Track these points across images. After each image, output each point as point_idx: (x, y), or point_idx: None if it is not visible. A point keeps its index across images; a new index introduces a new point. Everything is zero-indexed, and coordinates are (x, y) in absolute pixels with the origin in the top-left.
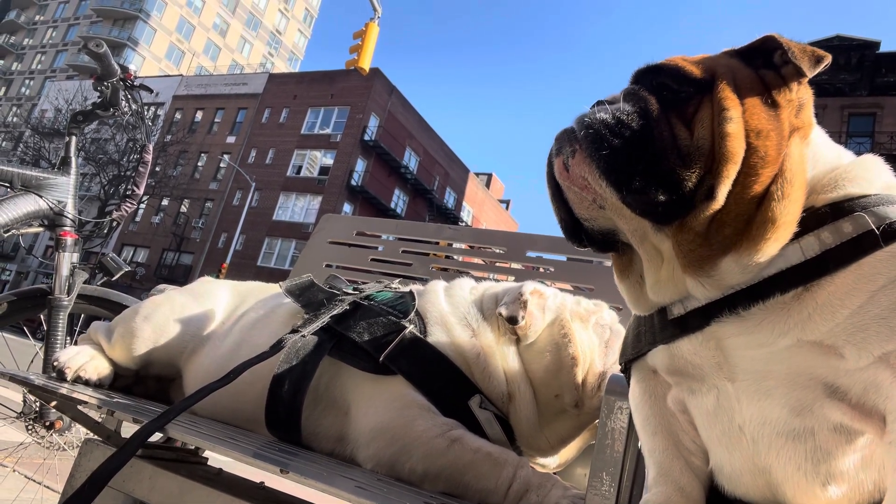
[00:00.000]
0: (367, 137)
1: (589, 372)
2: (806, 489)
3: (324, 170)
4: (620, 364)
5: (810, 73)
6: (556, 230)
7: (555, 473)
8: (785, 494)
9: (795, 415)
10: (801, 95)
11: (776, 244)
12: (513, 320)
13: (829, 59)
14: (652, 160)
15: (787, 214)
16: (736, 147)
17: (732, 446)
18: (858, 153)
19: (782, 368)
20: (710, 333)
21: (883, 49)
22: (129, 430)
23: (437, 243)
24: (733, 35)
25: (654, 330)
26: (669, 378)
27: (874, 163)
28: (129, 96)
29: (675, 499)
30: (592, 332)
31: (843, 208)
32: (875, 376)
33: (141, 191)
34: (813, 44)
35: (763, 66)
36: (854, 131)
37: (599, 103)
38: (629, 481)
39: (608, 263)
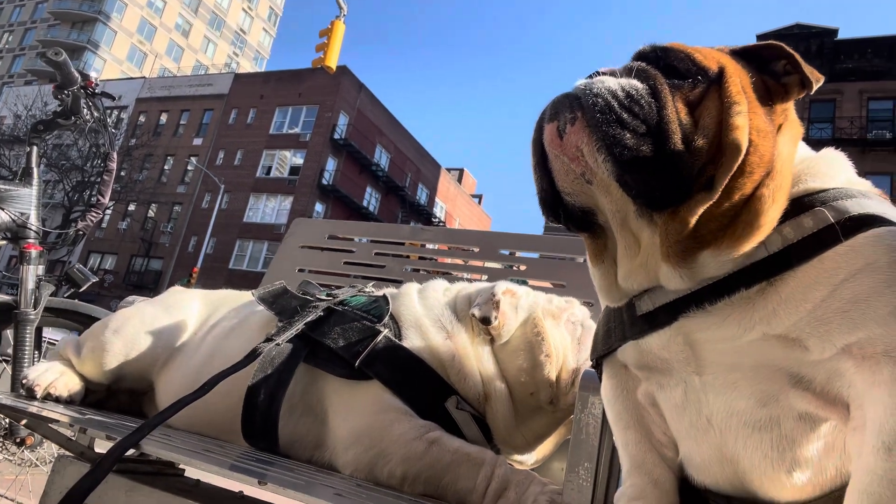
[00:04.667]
0: (336, 136)
1: (562, 369)
2: (772, 477)
3: (294, 170)
4: (591, 360)
5: (814, 89)
6: (529, 226)
7: (532, 469)
8: (752, 483)
9: (761, 405)
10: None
11: (754, 243)
12: (486, 321)
13: (823, 79)
14: (659, 141)
15: (770, 217)
16: (742, 141)
17: (701, 438)
18: (820, 139)
19: (748, 361)
20: (678, 328)
21: (841, 36)
22: (102, 445)
23: (404, 244)
24: (692, 28)
25: (624, 326)
26: (639, 373)
27: (835, 158)
28: (91, 104)
29: (648, 490)
30: (564, 329)
31: (803, 203)
32: (838, 365)
33: (106, 200)
34: (774, 32)
35: (760, 71)
36: (815, 117)
37: (598, 74)
38: (605, 474)
39: (580, 260)
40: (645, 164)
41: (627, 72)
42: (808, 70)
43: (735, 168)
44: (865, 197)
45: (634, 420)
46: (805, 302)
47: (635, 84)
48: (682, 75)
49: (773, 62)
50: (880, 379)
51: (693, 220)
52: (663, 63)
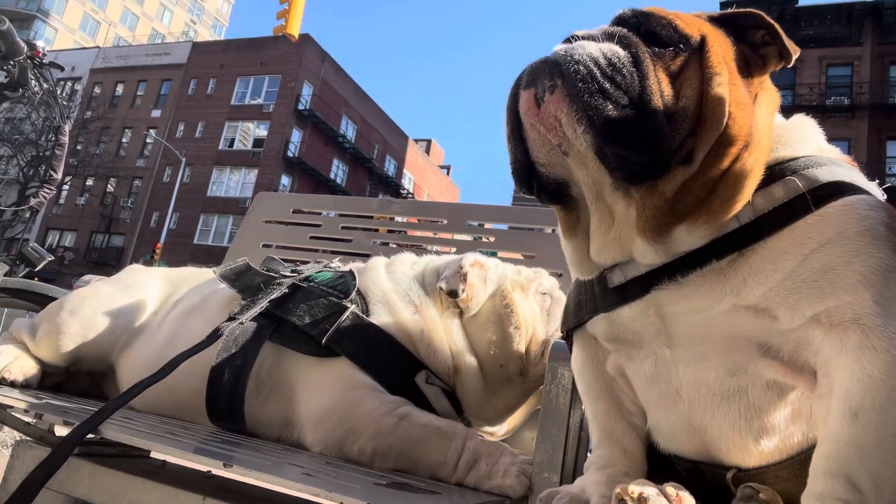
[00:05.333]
0: (301, 107)
1: (532, 340)
2: (739, 444)
3: (258, 142)
4: (562, 332)
5: (792, 62)
6: (497, 197)
7: (503, 440)
8: (720, 450)
9: (730, 375)
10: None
11: (729, 217)
12: (453, 294)
13: (799, 51)
14: (641, 113)
15: (747, 192)
16: (723, 113)
17: (669, 408)
18: (781, 105)
19: (718, 333)
20: (650, 301)
21: (801, 3)
22: (64, 427)
23: (372, 217)
24: None
25: (595, 298)
26: (608, 345)
27: (805, 124)
28: (39, 75)
29: (618, 458)
30: (533, 300)
31: (774, 172)
32: (806, 334)
33: (59, 175)
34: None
35: (737, 39)
36: (776, 84)
37: (577, 38)
38: (574, 443)
39: (549, 231)
40: (626, 137)
41: (608, 37)
42: (788, 42)
43: (714, 141)
44: (835, 164)
45: (604, 391)
46: (775, 272)
47: (617, 51)
48: (663, 43)
49: (751, 31)
50: (848, 346)
51: (669, 195)
52: (644, 29)
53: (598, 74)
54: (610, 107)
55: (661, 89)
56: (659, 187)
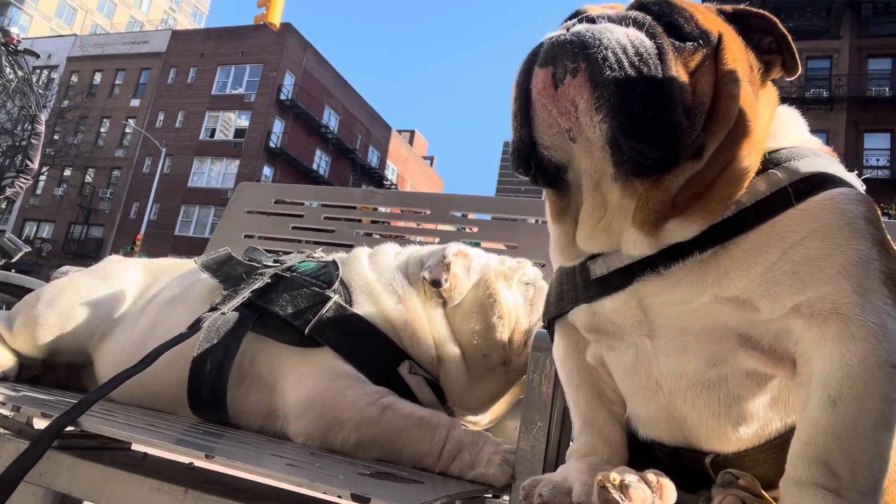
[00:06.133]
0: (283, 97)
1: (515, 330)
2: (719, 432)
3: (239, 132)
4: (544, 322)
5: (793, 77)
6: (481, 187)
7: (487, 430)
8: (699, 438)
9: (710, 366)
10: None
11: (721, 213)
12: (436, 283)
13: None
14: (662, 109)
15: (743, 188)
16: (735, 111)
17: (650, 398)
18: None
19: (699, 324)
20: (632, 292)
21: None
22: (42, 420)
23: (355, 208)
24: None
25: (577, 289)
26: (589, 335)
27: (788, 115)
28: (14, 62)
29: (599, 447)
30: (517, 290)
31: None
32: (787, 324)
33: (35, 164)
34: None
35: (743, 37)
36: None
37: (590, 17)
38: (557, 432)
39: (532, 221)
40: (645, 131)
41: (635, 24)
42: (796, 57)
43: (723, 138)
44: (817, 156)
45: (585, 380)
46: (757, 265)
47: (644, 41)
48: (683, 36)
49: (760, 34)
50: (827, 335)
51: (674, 189)
52: (666, 20)
53: (626, 63)
54: (633, 99)
55: (681, 84)
56: (665, 181)
